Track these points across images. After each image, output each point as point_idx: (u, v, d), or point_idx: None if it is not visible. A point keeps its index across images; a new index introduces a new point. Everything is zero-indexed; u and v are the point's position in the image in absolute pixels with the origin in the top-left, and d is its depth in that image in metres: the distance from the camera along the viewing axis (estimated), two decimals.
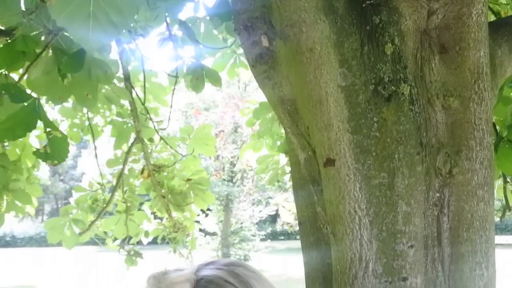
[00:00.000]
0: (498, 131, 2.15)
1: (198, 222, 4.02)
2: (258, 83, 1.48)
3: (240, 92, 21.47)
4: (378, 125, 1.23)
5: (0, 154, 1.91)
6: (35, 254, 31.95)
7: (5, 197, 2.68)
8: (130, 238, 3.99)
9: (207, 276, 0.85)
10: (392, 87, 1.24)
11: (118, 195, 3.37)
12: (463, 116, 1.29)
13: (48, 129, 1.92)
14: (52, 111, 3.32)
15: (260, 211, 21.12)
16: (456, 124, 1.29)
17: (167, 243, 4.27)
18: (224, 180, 20.56)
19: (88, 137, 3.51)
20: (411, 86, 1.27)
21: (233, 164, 21.07)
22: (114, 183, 3.45)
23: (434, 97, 1.29)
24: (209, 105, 22.50)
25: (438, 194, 1.26)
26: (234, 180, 21.09)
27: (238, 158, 20.72)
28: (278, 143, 3.37)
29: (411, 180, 1.22)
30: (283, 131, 3.39)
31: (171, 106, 3.32)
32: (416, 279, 1.20)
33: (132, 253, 3.65)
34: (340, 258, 1.24)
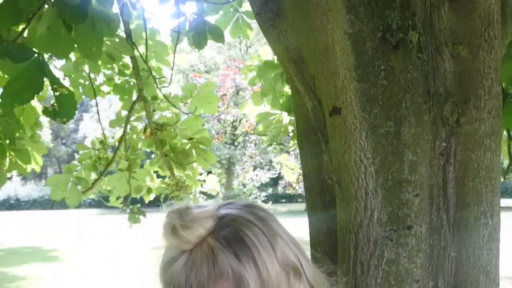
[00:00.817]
0: (504, 88, 2.13)
1: (204, 181, 4.03)
2: (263, 32, 1.45)
3: (242, 55, 21.27)
4: (385, 73, 1.21)
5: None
6: (40, 216, 32.33)
7: (8, 156, 2.68)
8: (134, 199, 4.03)
9: (229, 214, 0.84)
10: (400, 34, 1.22)
11: (121, 153, 3.38)
12: (472, 64, 1.26)
13: (54, 86, 1.90)
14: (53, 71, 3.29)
15: (263, 174, 21.25)
16: (465, 73, 1.27)
17: (170, 204, 4.29)
18: (226, 143, 20.57)
19: (90, 101, 3.50)
20: (420, 34, 1.24)
21: (234, 128, 21.06)
22: (116, 142, 3.46)
23: (443, 45, 1.27)
24: (210, 68, 22.32)
25: (444, 144, 1.25)
26: (235, 144, 21.12)
27: (240, 121, 20.70)
28: (281, 101, 3.35)
29: (418, 129, 1.20)
30: (286, 89, 3.37)
31: (173, 66, 3.28)
32: (420, 228, 1.20)
33: (135, 211, 3.68)
34: (345, 207, 1.24)
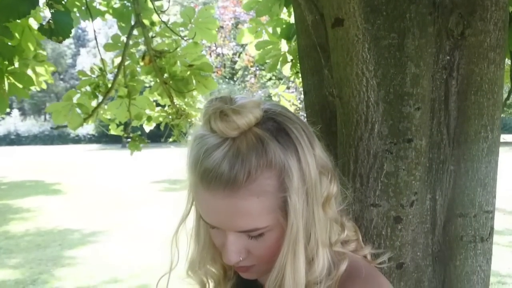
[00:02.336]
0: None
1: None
2: None
3: None
4: None
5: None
6: (40, 151, 32.58)
7: (7, 80, 2.65)
8: (135, 127, 4.03)
9: (272, 109, 0.85)
10: None
11: (120, 80, 3.35)
12: None
13: (50, 2, 1.86)
14: None
15: None
16: None
17: (169, 141, 4.30)
18: (225, 77, 20.39)
19: (87, 35, 3.42)
20: None
21: (233, 62, 20.81)
22: (115, 69, 3.42)
23: None
24: (208, 0, 21.78)
25: (448, 57, 1.23)
26: (235, 78, 20.93)
27: (239, 55, 20.45)
28: (279, 30, 3.28)
29: (422, 41, 1.18)
30: (283, 16, 3.29)
31: None
32: (421, 141, 1.20)
33: (136, 138, 3.69)
34: (345, 122, 1.23)
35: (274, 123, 0.82)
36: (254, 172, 0.78)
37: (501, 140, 1.38)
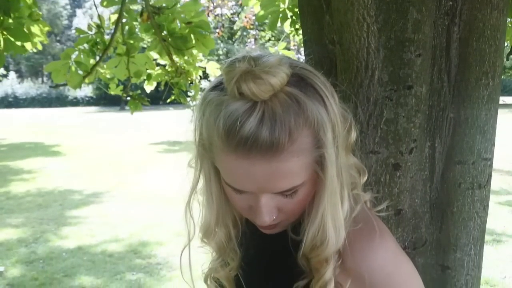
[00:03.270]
0: None
1: (204, 68, 3.99)
2: None
3: None
4: None
5: None
6: (39, 114, 32.51)
7: (2, 36, 2.62)
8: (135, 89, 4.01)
9: (294, 65, 0.81)
10: None
11: (118, 37, 3.32)
12: None
13: None
14: None
15: None
16: None
17: (169, 101, 4.29)
18: (224, 37, 20.19)
19: None
20: None
21: (232, 22, 20.57)
22: (113, 26, 3.38)
23: None
24: None
25: (450, 3, 1.21)
26: (233, 39, 20.73)
27: (238, 15, 20.19)
28: None
29: None
30: None
31: None
32: (421, 88, 1.20)
33: (135, 97, 3.69)
34: (345, 68, 1.23)
35: (299, 78, 0.79)
36: (294, 132, 0.75)
37: (501, 102, 1.38)
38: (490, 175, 1.29)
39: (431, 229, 1.29)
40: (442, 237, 1.29)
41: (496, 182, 8.37)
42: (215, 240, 1.01)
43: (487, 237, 1.36)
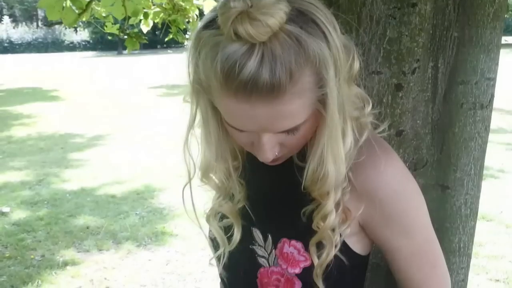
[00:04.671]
0: None
1: (201, 6, 3.91)
2: None
3: None
4: None
5: None
6: (35, 59, 32.16)
7: None
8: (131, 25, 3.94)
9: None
10: None
11: None
12: None
13: None
14: None
15: None
16: None
17: (167, 45, 4.22)
18: None
19: None
20: None
21: None
22: None
23: None
24: None
25: None
26: None
27: None
28: None
29: None
30: None
31: None
32: (425, 6, 1.17)
33: (132, 35, 3.63)
34: None
35: (299, 13, 0.75)
36: (295, 73, 0.73)
37: (503, 41, 1.35)
38: (492, 95, 1.29)
39: (432, 150, 1.30)
40: (443, 157, 1.29)
41: (496, 121, 8.38)
42: (216, 177, 1.01)
43: (484, 174, 1.38)
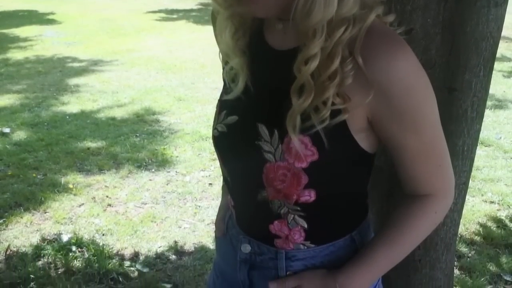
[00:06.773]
0: None
1: None
2: None
3: None
4: None
5: None
6: None
7: None
8: None
9: None
10: None
11: None
12: None
13: None
14: None
15: None
16: None
17: None
18: None
19: None
20: None
21: None
22: None
23: None
24: None
25: None
26: None
27: None
28: None
29: None
30: None
31: None
32: None
33: None
34: None
35: None
36: None
37: None
38: None
39: (441, 51, 1.26)
40: (452, 59, 1.26)
41: (500, 49, 8.26)
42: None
43: (488, 102, 1.34)
